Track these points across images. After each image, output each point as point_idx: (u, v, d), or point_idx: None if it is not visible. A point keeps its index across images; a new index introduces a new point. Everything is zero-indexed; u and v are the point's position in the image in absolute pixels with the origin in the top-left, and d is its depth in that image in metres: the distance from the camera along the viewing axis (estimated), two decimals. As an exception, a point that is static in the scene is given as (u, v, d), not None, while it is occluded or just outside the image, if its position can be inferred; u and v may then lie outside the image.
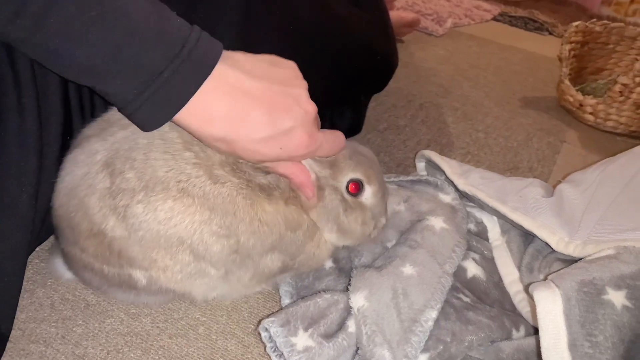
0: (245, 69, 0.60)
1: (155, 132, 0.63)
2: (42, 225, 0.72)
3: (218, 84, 0.58)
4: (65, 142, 0.71)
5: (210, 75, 0.58)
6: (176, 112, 0.58)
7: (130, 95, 0.56)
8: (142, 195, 0.63)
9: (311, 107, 0.64)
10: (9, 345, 0.69)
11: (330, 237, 0.78)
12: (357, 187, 0.76)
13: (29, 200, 0.66)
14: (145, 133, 0.63)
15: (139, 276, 0.67)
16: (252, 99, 0.60)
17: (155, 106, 0.57)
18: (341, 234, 0.78)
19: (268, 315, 0.69)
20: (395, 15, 1.78)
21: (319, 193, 0.74)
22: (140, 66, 0.55)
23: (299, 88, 0.64)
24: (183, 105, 0.57)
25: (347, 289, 0.73)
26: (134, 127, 0.63)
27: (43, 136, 0.67)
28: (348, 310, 0.71)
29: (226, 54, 0.61)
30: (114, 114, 0.68)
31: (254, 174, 0.68)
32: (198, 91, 0.57)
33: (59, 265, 0.76)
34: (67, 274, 0.76)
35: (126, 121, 0.64)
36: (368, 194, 0.77)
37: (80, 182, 0.65)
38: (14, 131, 0.62)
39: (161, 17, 0.57)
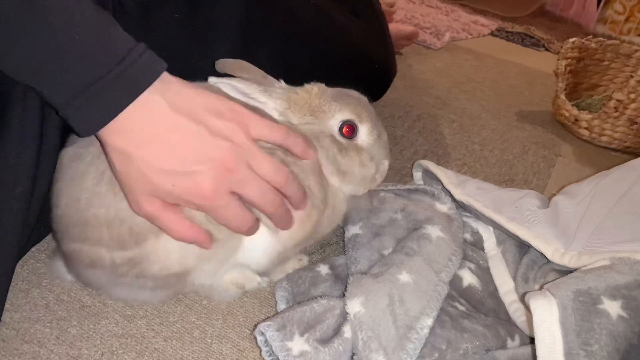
0: (174, 101, 0.60)
1: None
2: (37, 223, 0.72)
3: (143, 106, 0.59)
4: (65, 140, 0.71)
5: (139, 97, 0.58)
6: (105, 125, 0.58)
7: (61, 101, 0.57)
8: None
9: (231, 165, 0.61)
10: (1, 344, 0.69)
11: (334, 182, 0.77)
12: (351, 129, 0.74)
13: (23, 194, 0.66)
14: None
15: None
16: (165, 129, 0.60)
17: (86, 115, 0.58)
18: (341, 177, 0.77)
19: (264, 320, 0.69)
20: (394, 27, 1.80)
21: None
22: (72, 74, 0.56)
23: (229, 143, 0.61)
24: (110, 119, 0.58)
25: (344, 296, 0.73)
26: None
27: (43, 131, 0.67)
28: (344, 315, 0.71)
29: (166, 79, 0.61)
30: None
31: None
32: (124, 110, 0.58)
33: (60, 267, 0.76)
34: (69, 276, 0.76)
35: None
36: (363, 134, 0.76)
37: (87, 170, 0.65)
38: (16, 122, 0.63)
39: (104, 28, 0.58)
